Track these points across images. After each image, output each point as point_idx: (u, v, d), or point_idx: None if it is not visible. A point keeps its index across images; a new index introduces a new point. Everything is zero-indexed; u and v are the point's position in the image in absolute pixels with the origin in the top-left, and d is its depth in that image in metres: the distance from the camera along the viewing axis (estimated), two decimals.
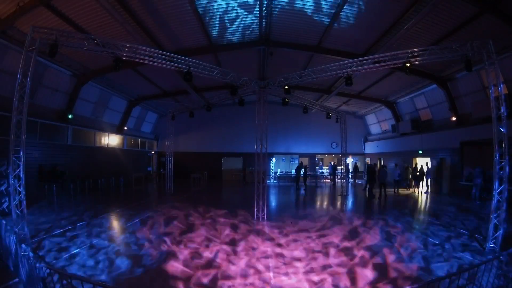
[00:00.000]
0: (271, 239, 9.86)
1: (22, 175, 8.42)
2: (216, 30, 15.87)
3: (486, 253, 8.29)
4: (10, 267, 6.70)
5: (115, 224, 11.94)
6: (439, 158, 21.66)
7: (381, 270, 7.17)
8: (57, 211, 13.91)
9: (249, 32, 16.39)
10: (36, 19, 12.22)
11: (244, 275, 6.89)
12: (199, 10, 13.70)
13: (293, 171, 28.27)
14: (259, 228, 11.33)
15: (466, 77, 17.51)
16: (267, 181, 14.00)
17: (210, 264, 7.58)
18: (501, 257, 5.36)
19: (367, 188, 20.85)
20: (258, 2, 13.54)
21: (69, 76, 18.90)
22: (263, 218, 12.69)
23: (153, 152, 34.60)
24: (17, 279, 6.18)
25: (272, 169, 32.64)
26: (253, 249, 8.83)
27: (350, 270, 7.18)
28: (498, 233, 8.39)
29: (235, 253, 8.45)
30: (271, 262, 7.74)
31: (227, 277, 6.80)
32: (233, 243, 9.40)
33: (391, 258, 7.98)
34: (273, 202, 18.06)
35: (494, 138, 8.76)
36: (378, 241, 9.59)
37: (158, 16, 13.91)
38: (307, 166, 28.53)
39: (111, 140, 26.33)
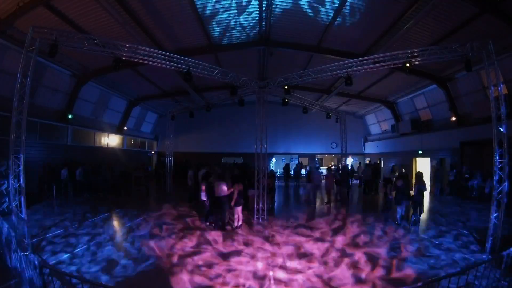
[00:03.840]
0: (269, 239, 9.93)
1: (22, 175, 8.41)
2: (216, 30, 15.87)
3: (486, 253, 8.34)
4: (11, 267, 6.70)
5: (115, 223, 11.98)
6: (439, 158, 21.63)
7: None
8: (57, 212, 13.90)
9: (248, 32, 16.39)
10: (36, 19, 12.18)
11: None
12: (198, 10, 13.70)
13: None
14: (258, 229, 11.40)
15: (466, 77, 17.49)
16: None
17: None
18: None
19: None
20: (258, 2, 13.54)
21: (69, 76, 18.91)
22: (263, 218, 12.70)
23: (153, 152, 34.60)
24: (17, 279, 6.18)
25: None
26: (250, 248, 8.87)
27: None
28: (497, 233, 8.40)
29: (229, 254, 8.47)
30: (267, 260, 7.78)
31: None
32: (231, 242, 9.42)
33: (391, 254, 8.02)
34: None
35: (494, 138, 8.78)
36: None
37: (158, 16, 13.91)
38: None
39: (111, 140, 26.36)
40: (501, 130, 8.68)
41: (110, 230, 10.89)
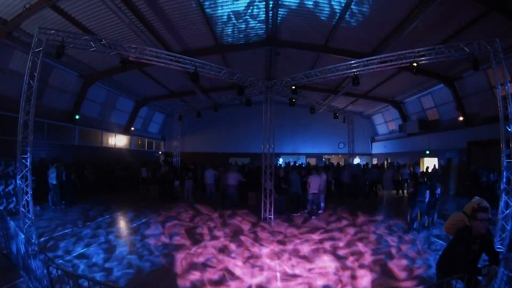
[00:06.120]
0: (276, 239, 9.95)
1: (29, 175, 8.50)
2: (223, 30, 15.91)
3: None
4: (18, 266, 6.75)
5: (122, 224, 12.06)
6: (446, 158, 21.47)
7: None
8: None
9: (256, 32, 16.39)
10: (42, 20, 12.35)
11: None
12: (206, 10, 13.73)
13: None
14: (263, 228, 11.43)
15: (473, 76, 17.29)
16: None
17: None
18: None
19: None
20: (264, 2, 13.54)
21: (76, 77, 19.07)
22: (269, 218, 12.70)
23: (160, 153, 34.71)
24: (24, 278, 6.23)
25: None
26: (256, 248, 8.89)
27: None
28: (505, 234, 8.32)
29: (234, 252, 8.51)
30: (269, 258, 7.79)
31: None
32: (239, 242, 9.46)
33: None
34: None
35: (502, 137, 8.70)
36: None
37: (165, 17, 13.97)
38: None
39: (118, 140, 26.53)
40: (509, 129, 8.60)
41: None
